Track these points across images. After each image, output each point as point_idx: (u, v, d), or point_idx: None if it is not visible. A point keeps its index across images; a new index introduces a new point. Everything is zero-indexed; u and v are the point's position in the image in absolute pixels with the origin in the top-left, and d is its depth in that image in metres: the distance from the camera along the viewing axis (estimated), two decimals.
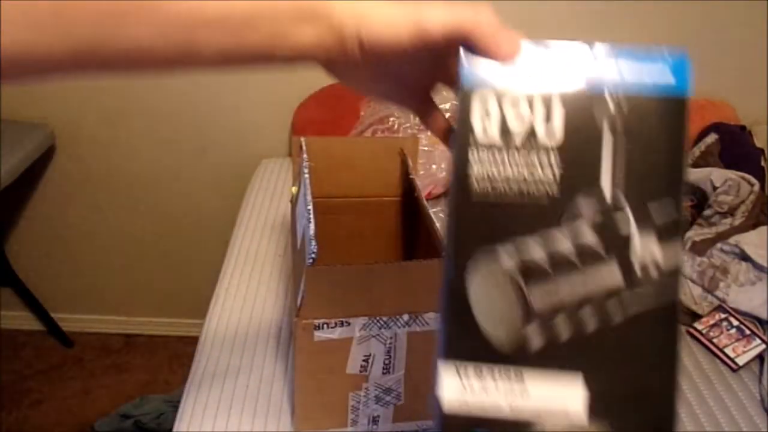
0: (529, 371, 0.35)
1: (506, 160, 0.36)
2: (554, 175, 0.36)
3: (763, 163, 1.51)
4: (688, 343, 1.19)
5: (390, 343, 0.77)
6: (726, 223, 1.35)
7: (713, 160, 1.50)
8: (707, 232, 1.34)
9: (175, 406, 1.12)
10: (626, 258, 0.35)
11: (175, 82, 1.65)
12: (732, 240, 1.29)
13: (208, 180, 1.79)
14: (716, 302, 1.22)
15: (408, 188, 0.98)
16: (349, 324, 0.74)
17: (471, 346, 0.35)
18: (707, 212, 1.38)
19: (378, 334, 0.76)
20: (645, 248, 0.35)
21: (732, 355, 1.15)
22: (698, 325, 1.20)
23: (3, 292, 1.95)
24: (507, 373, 0.35)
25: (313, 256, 0.69)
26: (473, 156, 0.36)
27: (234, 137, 1.73)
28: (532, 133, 0.36)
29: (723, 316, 1.20)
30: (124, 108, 1.69)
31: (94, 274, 1.96)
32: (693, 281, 1.24)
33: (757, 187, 1.38)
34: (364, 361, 0.78)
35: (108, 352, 1.98)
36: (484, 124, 0.36)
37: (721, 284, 1.22)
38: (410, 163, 0.97)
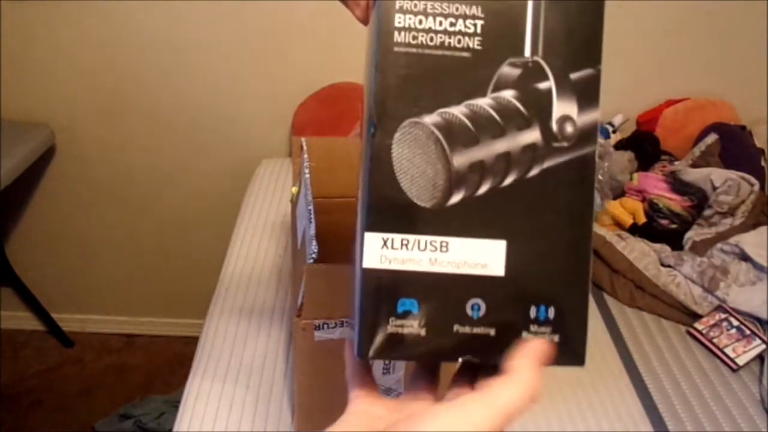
0: (453, 236, 0.35)
1: (428, 10, 0.35)
2: (476, 27, 0.35)
3: (763, 163, 1.51)
4: (688, 343, 1.19)
5: None
6: (726, 223, 1.35)
7: (713, 160, 1.50)
8: (707, 232, 1.34)
9: (175, 406, 1.12)
10: (545, 117, 0.36)
11: (176, 82, 1.65)
12: (732, 240, 1.29)
13: (208, 180, 1.80)
14: (716, 302, 1.22)
15: None
16: (349, 324, 0.74)
17: (395, 215, 0.35)
18: (707, 212, 1.38)
19: None
20: (563, 108, 0.36)
21: (732, 355, 1.15)
22: (698, 325, 1.20)
23: (3, 292, 1.95)
24: (432, 241, 0.35)
25: (313, 255, 0.69)
26: (396, 4, 0.35)
27: (234, 137, 1.74)
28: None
29: (723, 316, 1.20)
30: (124, 108, 1.69)
31: (94, 274, 1.96)
32: (693, 281, 1.24)
33: (757, 187, 1.38)
34: None
35: (108, 352, 1.98)
36: None
37: (721, 284, 1.22)
38: None
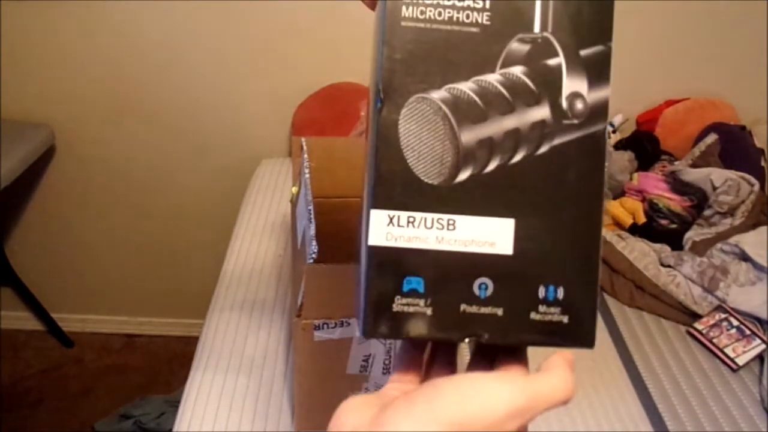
0: (460, 214, 0.35)
1: None
2: (485, 2, 0.35)
3: (763, 163, 1.51)
4: (688, 343, 1.19)
5: (390, 343, 0.77)
6: (726, 223, 1.35)
7: (713, 160, 1.50)
8: (707, 232, 1.34)
9: (175, 406, 1.12)
10: (555, 94, 0.35)
11: (176, 82, 1.65)
12: (732, 240, 1.29)
13: (208, 180, 1.80)
14: (716, 302, 1.22)
15: None
16: (349, 324, 0.74)
17: (401, 192, 0.34)
18: (707, 212, 1.38)
19: None
20: (573, 85, 0.35)
21: (732, 355, 1.15)
22: (698, 325, 1.20)
23: (3, 292, 1.95)
24: (439, 218, 0.34)
25: (313, 256, 0.69)
26: None
27: (234, 137, 1.74)
28: None
29: (723, 316, 1.20)
30: (124, 108, 1.69)
31: (94, 274, 1.96)
32: (693, 281, 1.24)
33: (757, 187, 1.38)
34: (364, 361, 0.78)
35: (108, 352, 1.98)
36: None
37: (721, 284, 1.22)
38: None
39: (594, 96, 0.35)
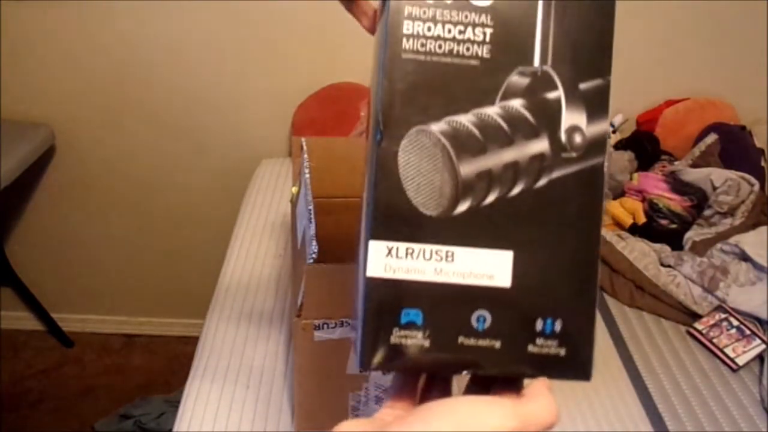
0: (459, 246, 0.35)
1: (437, 17, 0.35)
2: (485, 35, 0.35)
3: (763, 163, 1.51)
4: (688, 343, 1.19)
5: None
6: (726, 223, 1.35)
7: (713, 160, 1.50)
8: (707, 232, 1.34)
9: (175, 406, 1.12)
10: (554, 127, 0.35)
11: (176, 82, 1.65)
12: (732, 240, 1.29)
13: (208, 180, 1.80)
14: (716, 302, 1.22)
15: None
16: (349, 324, 0.74)
17: (400, 223, 0.34)
18: (707, 212, 1.38)
19: None
20: (572, 119, 0.35)
21: (732, 355, 1.15)
22: (698, 325, 1.20)
23: (3, 292, 1.95)
24: (437, 250, 0.35)
25: (313, 256, 0.69)
26: (405, 11, 0.35)
27: (234, 137, 1.74)
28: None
29: (723, 316, 1.20)
30: (124, 108, 1.69)
31: (94, 274, 1.96)
32: (693, 281, 1.24)
33: (757, 187, 1.38)
34: None
35: (108, 352, 1.98)
36: None
37: (721, 284, 1.22)
38: None
39: (592, 129, 0.36)
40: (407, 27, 0.35)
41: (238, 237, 1.33)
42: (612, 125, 1.60)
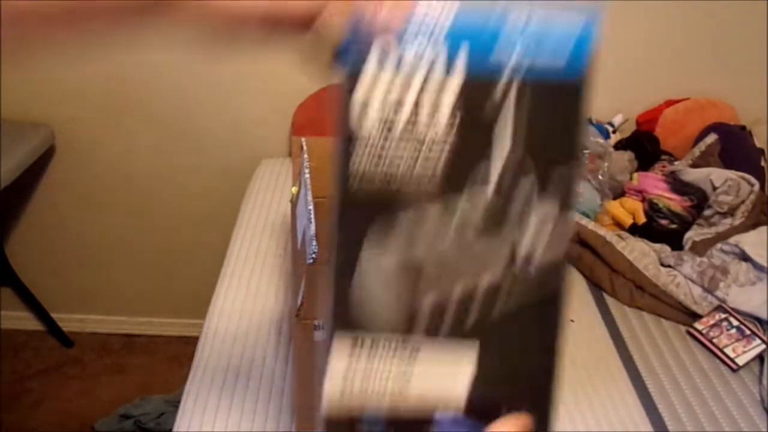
0: (415, 365, 0.35)
1: (392, 140, 0.35)
2: (441, 155, 0.34)
3: (763, 163, 1.52)
4: (688, 343, 1.19)
5: None
6: (726, 223, 1.35)
7: (713, 160, 1.50)
8: (707, 232, 1.34)
9: (175, 406, 1.12)
10: (509, 258, 0.35)
11: (176, 82, 1.65)
12: (732, 240, 1.29)
13: (208, 180, 1.79)
14: (716, 302, 1.22)
15: None
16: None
17: (362, 333, 0.36)
18: (707, 212, 1.38)
19: None
20: (527, 245, 0.35)
21: (732, 355, 1.15)
22: (698, 325, 1.20)
23: (3, 292, 1.95)
24: (395, 372, 0.35)
25: (313, 255, 0.69)
26: (358, 133, 0.35)
27: (234, 137, 1.73)
28: (418, 114, 0.34)
29: (723, 316, 1.20)
30: (124, 108, 1.69)
31: (94, 274, 1.96)
32: (693, 281, 1.24)
33: (757, 187, 1.38)
34: None
35: (108, 352, 1.98)
36: (369, 98, 0.35)
37: (721, 284, 1.22)
38: None
39: (548, 255, 0.35)
40: (361, 152, 0.35)
41: (238, 237, 1.33)
42: (612, 125, 1.60)
